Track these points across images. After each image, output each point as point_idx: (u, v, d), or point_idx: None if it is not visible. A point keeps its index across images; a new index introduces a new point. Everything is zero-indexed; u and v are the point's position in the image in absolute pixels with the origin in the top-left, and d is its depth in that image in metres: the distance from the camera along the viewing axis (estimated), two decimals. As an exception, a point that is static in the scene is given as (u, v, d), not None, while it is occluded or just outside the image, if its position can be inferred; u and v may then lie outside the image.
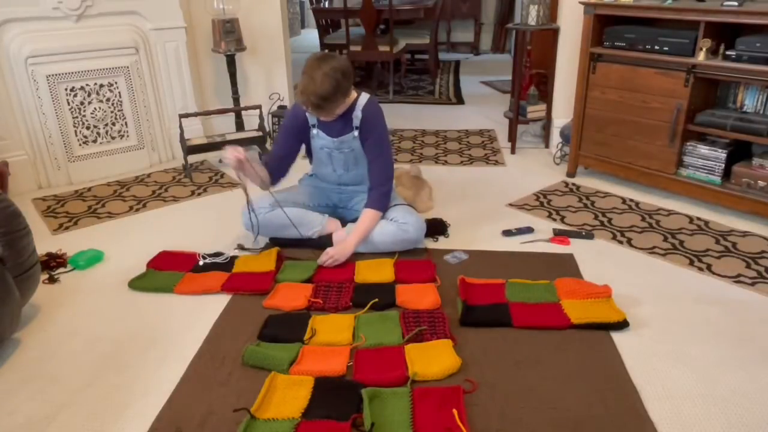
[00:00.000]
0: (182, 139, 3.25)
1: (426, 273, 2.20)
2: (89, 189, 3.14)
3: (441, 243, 2.47)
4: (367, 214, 2.31)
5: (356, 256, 2.31)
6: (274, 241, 2.45)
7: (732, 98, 2.66)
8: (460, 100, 5.00)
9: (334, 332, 1.86)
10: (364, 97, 2.30)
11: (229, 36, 3.39)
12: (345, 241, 2.31)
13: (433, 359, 1.71)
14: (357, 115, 2.29)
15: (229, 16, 3.38)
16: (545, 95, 3.65)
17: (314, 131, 2.36)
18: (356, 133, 2.31)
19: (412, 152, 3.65)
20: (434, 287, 2.11)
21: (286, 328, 1.89)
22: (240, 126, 3.65)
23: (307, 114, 2.32)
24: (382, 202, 2.33)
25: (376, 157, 2.33)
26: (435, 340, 1.80)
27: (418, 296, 2.04)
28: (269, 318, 1.95)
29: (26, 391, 1.67)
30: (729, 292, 2.09)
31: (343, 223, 2.49)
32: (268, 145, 3.55)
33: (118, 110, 3.27)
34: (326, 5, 6.97)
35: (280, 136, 2.41)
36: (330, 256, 2.25)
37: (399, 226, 2.33)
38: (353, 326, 1.90)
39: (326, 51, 2.22)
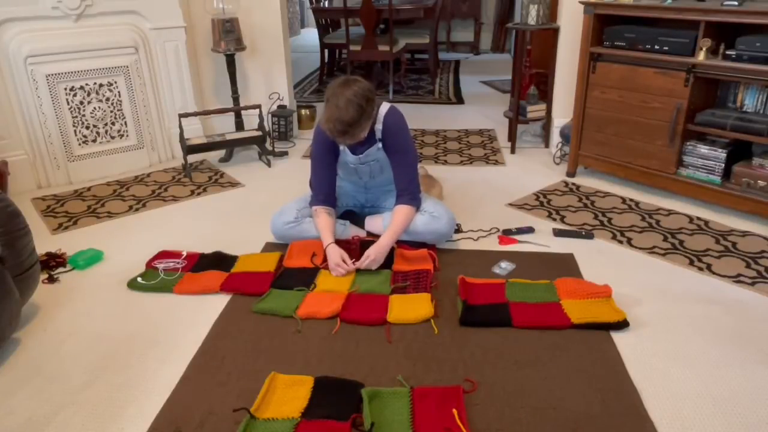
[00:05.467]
0: (182, 139, 3.24)
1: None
2: (89, 189, 3.14)
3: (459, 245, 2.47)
4: (401, 211, 2.30)
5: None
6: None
7: (732, 98, 2.66)
8: (459, 100, 5.00)
9: (335, 283, 2.15)
10: (384, 106, 2.28)
11: (228, 35, 3.39)
12: (379, 242, 2.25)
13: (410, 308, 1.97)
14: (378, 128, 2.28)
15: (228, 16, 3.37)
16: (545, 95, 3.65)
17: (341, 147, 2.35)
18: (380, 144, 2.31)
19: (411, 152, 3.65)
20: (431, 264, 2.24)
21: (297, 279, 2.18)
22: (240, 126, 3.65)
23: None
24: (414, 200, 2.33)
25: (401, 163, 2.32)
26: (417, 293, 2.07)
27: (413, 263, 2.25)
28: (284, 270, 2.25)
29: (26, 391, 1.66)
30: (729, 292, 2.09)
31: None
32: (268, 145, 3.55)
33: (118, 110, 3.27)
34: (326, 5, 6.97)
35: (316, 161, 2.37)
36: (372, 260, 2.20)
37: (430, 214, 2.35)
38: (353, 279, 2.16)
39: (347, 75, 2.20)
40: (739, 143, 2.61)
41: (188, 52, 3.47)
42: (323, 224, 2.31)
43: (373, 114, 2.17)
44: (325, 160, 2.36)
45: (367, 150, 2.32)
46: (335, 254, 2.21)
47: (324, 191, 2.37)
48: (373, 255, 2.20)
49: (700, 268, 2.24)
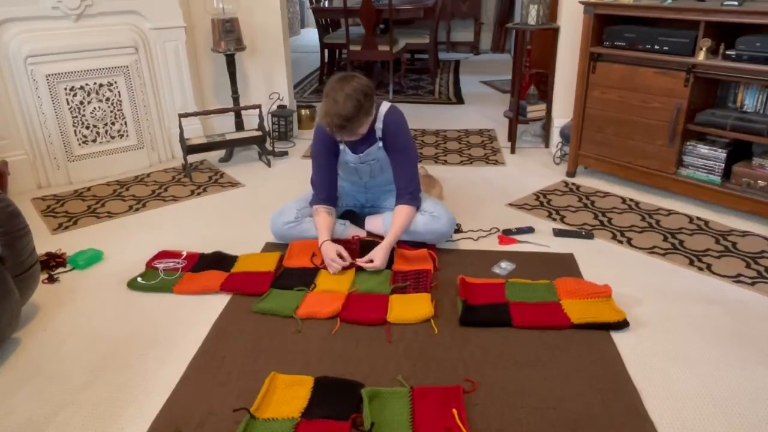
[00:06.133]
0: (182, 139, 3.25)
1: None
2: (89, 189, 3.14)
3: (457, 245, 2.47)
4: (402, 211, 2.30)
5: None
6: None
7: (732, 98, 2.66)
8: (459, 100, 5.00)
9: (335, 283, 2.14)
10: (385, 105, 2.29)
11: (228, 35, 3.38)
12: (382, 246, 2.24)
13: (410, 308, 1.97)
14: (379, 127, 2.28)
15: (228, 16, 3.37)
16: (545, 95, 3.65)
17: (341, 146, 2.35)
18: (380, 143, 2.31)
19: (411, 152, 3.65)
20: (431, 265, 2.24)
21: (297, 279, 2.17)
22: (240, 126, 3.65)
23: None
24: (414, 199, 2.33)
25: (402, 162, 2.32)
26: (417, 293, 2.06)
27: (413, 263, 2.25)
28: (284, 270, 2.24)
29: (26, 391, 1.66)
30: (729, 292, 2.08)
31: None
32: (268, 145, 3.55)
33: (118, 110, 3.27)
34: (326, 5, 6.97)
35: (317, 161, 2.38)
36: (375, 266, 2.19)
37: (430, 214, 2.35)
38: (353, 279, 2.16)
39: (346, 72, 2.21)
40: (739, 143, 2.60)
41: (188, 52, 3.47)
42: (321, 222, 2.32)
43: (371, 110, 2.17)
44: (325, 159, 2.37)
45: (368, 149, 2.32)
46: (330, 250, 2.22)
47: (324, 190, 2.37)
48: (378, 262, 2.19)
49: (700, 268, 2.24)
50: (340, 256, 2.21)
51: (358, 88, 2.07)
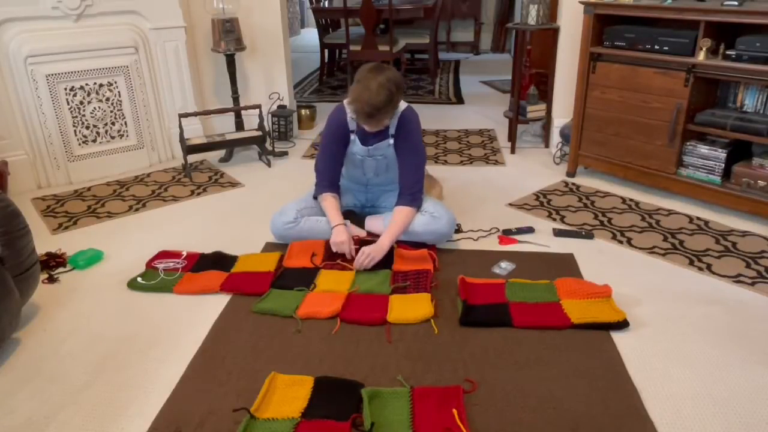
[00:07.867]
0: (182, 139, 3.24)
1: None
2: (89, 189, 3.14)
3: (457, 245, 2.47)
4: (401, 212, 2.31)
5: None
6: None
7: (732, 98, 2.66)
8: (459, 100, 5.00)
9: (335, 283, 2.14)
10: (402, 104, 2.32)
11: (228, 35, 3.38)
12: (379, 242, 2.26)
13: (410, 308, 1.97)
14: (393, 123, 2.29)
15: (228, 16, 3.37)
16: (545, 95, 3.65)
17: (352, 137, 2.36)
18: (391, 140, 2.32)
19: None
20: (431, 265, 2.24)
21: (297, 279, 2.17)
22: (239, 126, 3.65)
23: (347, 119, 2.32)
24: (415, 201, 2.34)
25: (409, 161, 2.33)
26: (417, 293, 2.06)
27: (413, 263, 2.25)
28: (284, 270, 2.24)
29: (26, 391, 1.66)
30: (729, 292, 2.08)
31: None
32: (268, 145, 3.55)
33: (118, 110, 3.27)
34: (326, 5, 6.97)
35: (325, 145, 2.39)
36: (367, 255, 2.21)
37: (431, 214, 2.35)
38: (353, 279, 2.16)
39: (378, 62, 2.24)
40: (739, 143, 2.60)
41: (188, 52, 3.46)
42: (330, 205, 2.33)
43: (398, 103, 2.19)
44: (334, 146, 2.38)
45: (378, 143, 2.33)
46: (343, 233, 2.24)
47: (328, 177, 2.39)
48: (369, 250, 2.20)
49: (700, 268, 2.24)
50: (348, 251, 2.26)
51: (391, 78, 2.10)
